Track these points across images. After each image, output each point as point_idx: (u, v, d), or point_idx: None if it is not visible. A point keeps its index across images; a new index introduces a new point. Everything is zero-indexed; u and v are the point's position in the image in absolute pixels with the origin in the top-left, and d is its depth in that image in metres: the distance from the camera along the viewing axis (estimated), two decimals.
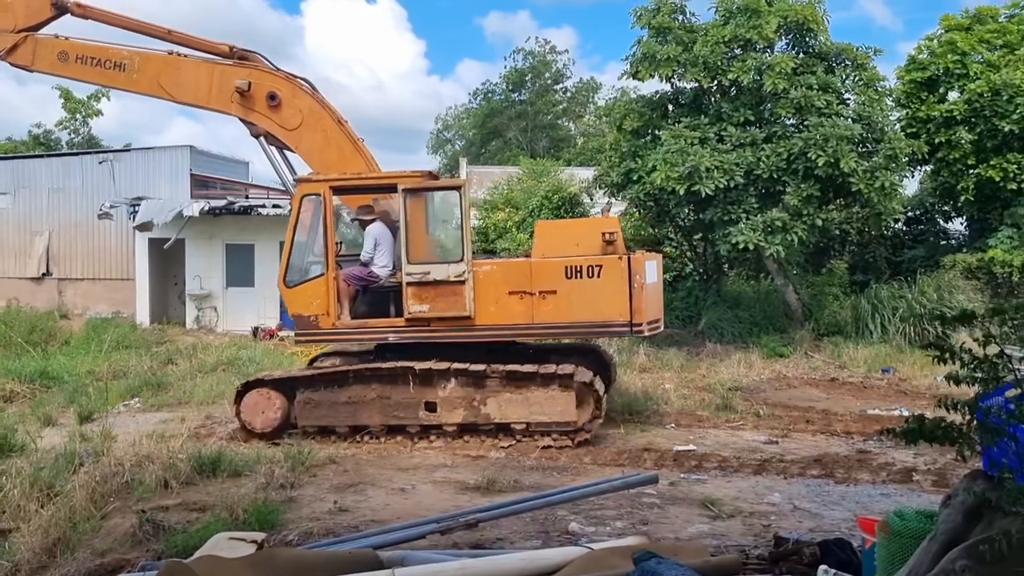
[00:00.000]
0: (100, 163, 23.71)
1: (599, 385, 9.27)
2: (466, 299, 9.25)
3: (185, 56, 10.70)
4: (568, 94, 53.88)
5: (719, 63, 14.99)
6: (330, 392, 9.57)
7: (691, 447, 8.94)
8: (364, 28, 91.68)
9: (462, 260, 9.31)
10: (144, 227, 20.85)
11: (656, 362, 14.50)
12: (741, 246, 14.27)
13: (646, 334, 9.48)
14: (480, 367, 9.22)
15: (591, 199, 19.47)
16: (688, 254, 19.03)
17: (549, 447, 9.03)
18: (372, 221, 9.99)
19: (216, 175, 25.34)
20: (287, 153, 10.90)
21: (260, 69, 10.56)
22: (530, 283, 9.24)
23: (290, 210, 10.02)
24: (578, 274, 9.13)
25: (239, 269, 21.60)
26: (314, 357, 11.20)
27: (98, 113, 34.42)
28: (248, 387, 9.84)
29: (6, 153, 28.95)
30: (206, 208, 20.44)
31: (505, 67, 54.85)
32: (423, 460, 8.67)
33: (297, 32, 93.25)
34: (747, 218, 14.40)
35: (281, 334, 20.04)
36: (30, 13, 10.82)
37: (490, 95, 53.88)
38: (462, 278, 9.25)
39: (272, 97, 10.29)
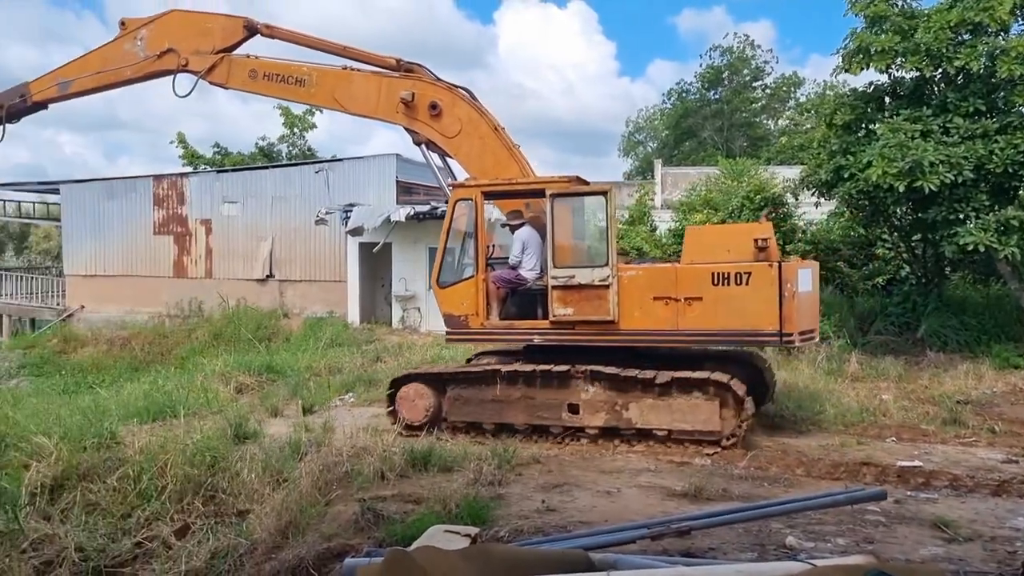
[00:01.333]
0: (316, 172, 25.41)
1: (744, 394, 8.91)
2: (610, 304, 9.22)
3: (357, 70, 11.35)
4: (768, 91, 52.03)
5: (944, 50, 13.82)
6: (478, 390, 9.88)
7: (917, 463, 8.28)
8: (555, 33, 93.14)
9: (607, 265, 9.28)
10: (355, 232, 22.13)
11: (870, 371, 13.57)
12: (970, 247, 13.07)
13: (797, 345, 9.09)
14: (622, 372, 9.19)
15: (796, 199, 18.59)
16: (904, 256, 17.71)
17: (756, 454, 8.70)
18: (520, 226, 10.22)
19: (419, 182, 26.47)
20: (448, 160, 11.37)
21: (423, 80, 11.00)
22: (675, 289, 9.06)
23: (444, 213, 10.42)
24: (725, 281, 8.85)
25: None
26: (472, 356, 11.50)
27: (312, 127, 37.00)
28: (402, 381, 10.34)
29: (236, 165, 31.68)
30: (411, 213, 21.37)
31: (700, 65, 53.76)
32: (626, 464, 8.58)
33: (491, 40, 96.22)
34: (977, 217, 13.18)
35: None
36: (226, 35, 11.92)
37: (684, 95, 53.02)
38: (606, 283, 9.24)
39: (433, 107, 10.71)
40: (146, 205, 27.44)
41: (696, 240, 9.54)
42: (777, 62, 74.15)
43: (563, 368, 9.46)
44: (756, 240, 8.89)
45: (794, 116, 39.60)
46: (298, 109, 35.91)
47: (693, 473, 7.95)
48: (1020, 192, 13.19)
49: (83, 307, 27.88)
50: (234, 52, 11.98)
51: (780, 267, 8.71)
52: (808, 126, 38.14)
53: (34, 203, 34.66)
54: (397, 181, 24.68)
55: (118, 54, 12.39)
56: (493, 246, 10.89)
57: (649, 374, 9.16)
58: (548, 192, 9.54)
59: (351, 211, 22.40)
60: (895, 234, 17.46)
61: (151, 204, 27.37)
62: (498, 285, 10.05)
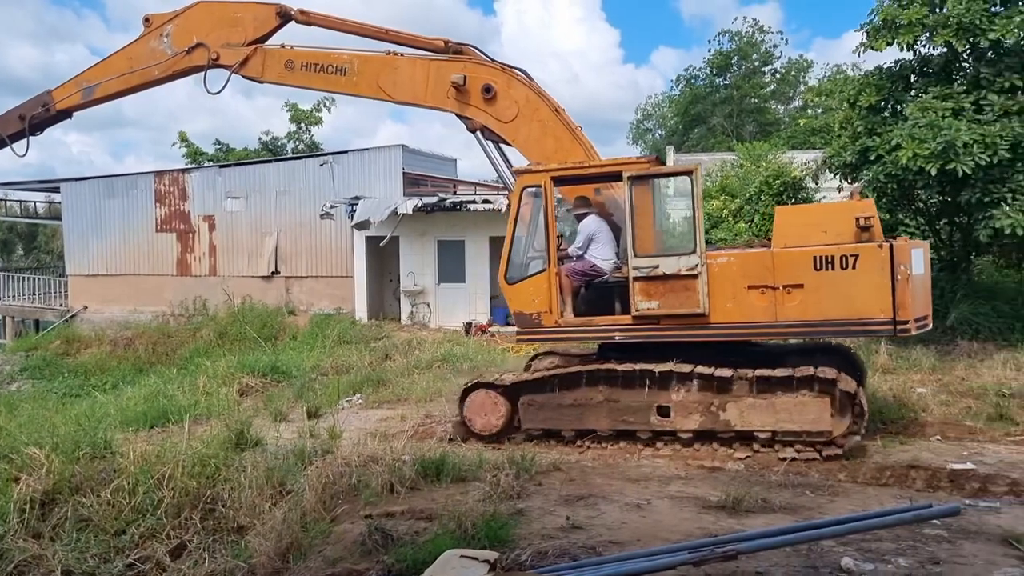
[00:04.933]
0: (321, 165, 24.85)
1: (860, 393, 8.17)
2: (699, 295, 8.43)
3: (402, 55, 10.59)
4: (777, 75, 51.19)
5: (977, 22, 13.10)
6: (555, 394, 9.09)
7: (969, 465, 7.65)
8: (558, 20, 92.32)
9: (695, 252, 8.49)
10: (362, 226, 21.56)
11: (901, 362, 12.93)
12: (1007, 231, 12.39)
13: (913, 333, 8.17)
14: (722, 370, 8.41)
15: (816, 183, 17.92)
16: (930, 241, 16.99)
17: (794, 459, 8.07)
18: (587, 215, 9.48)
19: (426, 173, 25.90)
20: (504, 148, 10.54)
21: (475, 62, 10.26)
22: (772, 276, 8.24)
23: (509, 204, 9.61)
24: (829, 265, 8.05)
25: (450, 265, 21.89)
26: (532, 356, 10.81)
27: (319, 121, 36.42)
28: (472, 388, 9.58)
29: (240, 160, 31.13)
30: (419, 205, 20.81)
31: (708, 51, 52.90)
32: (653, 470, 7.99)
33: (494, 30, 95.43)
34: (1013, 198, 12.49)
35: (492, 330, 20.08)
36: (257, 24, 11.09)
37: (692, 81, 52.21)
38: (695, 272, 8.44)
39: (487, 90, 9.94)
40: (147, 202, 26.91)
41: (788, 222, 8.72)
42: (787, 44, 73.12)
43: (656, 368, 8.62)
44: (858, 219, 8.10)
45: (811, 97, 38.64)
46: (305, 105, 35.41)
47: (728, 480, 7.37)
48: None
49: (86, 307, 27.42)
50: (267, 42, 11.18)
51: (892, 248, 7.96)
52: (819, 110, 37.39)
53: (35, 202, 34.24)
54: (404, 173, 24.09)
55: (144, 53, 11.55)
56: (562, 237, 10.07)
57: (754, 371, 8.37)
58: (626, 175, 8.79)
59: (357, 204, 21.85)
60: (919, 218, 16.79)
61: (152, 201, 26.85)
62: (572, 278, 9.27)
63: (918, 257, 8.28)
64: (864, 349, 13.44)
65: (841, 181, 15.71)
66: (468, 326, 20.32)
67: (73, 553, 6.47)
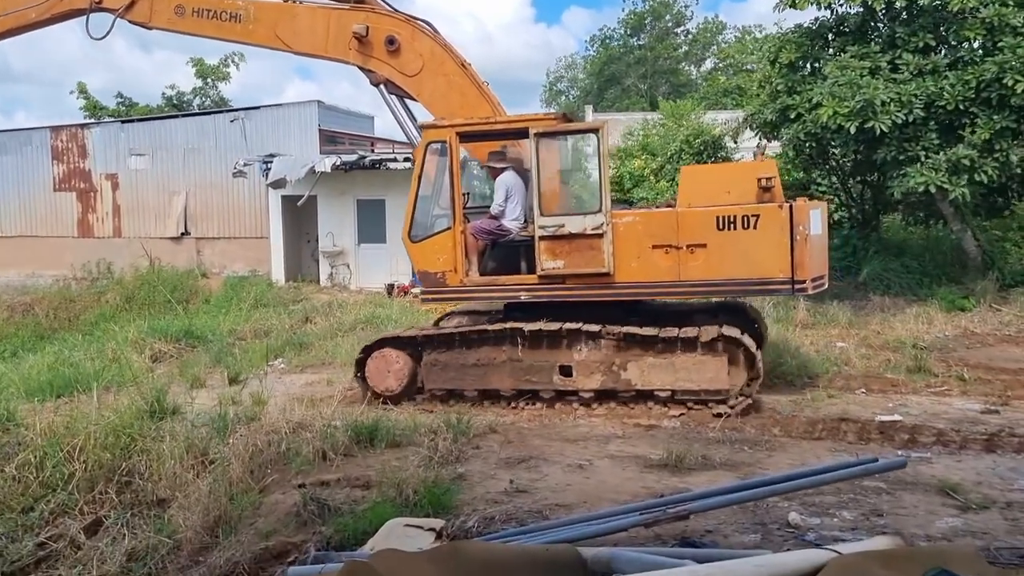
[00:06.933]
0: (232, 122, 23.83)
1: (754, 349, 8.31)
2: (604, 254, 8.41)
3: (301, 3, 10.16)
4: (690, 36, 51.56)
5: None
6: (458, 354, 8.98)
7: (896, 417, 7.83)
8: None
9: (600, 211, 8.43)
10: (277, 184, 20.80)
11: (819, 317, 13.21)
12: (919, 188, 12.72)
13: (809, 292, 8.36)
14: (621, 329, 8.41)
15: (735, 142, 18.09)
16: (840, 198, 17.39)
17: (727, 415, 8.11)
18: (504, 169, 9.24)
19: (343, 130, 25.13)
20: (408, 103, 10.25)
21: (378, 12, 9.90)
22: (676, 236, 8.28)
23: (413, 159, 9.33)
24: (731, 225, 8.10)
25: (370, 225, 21.37)
26: (440, 317, 10.64)
27: (227, 77, 34.83)
28: (373, 348, 9.36)
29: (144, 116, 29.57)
30: (338, 163, 20.16)
31: (622, 11, 52.83)
32: (590, 430, 7.91)
33: None
34: (927, 156, 12.81)
35: (415, 291, 19.74)
36: None
37: (607, 41, 52.11)
38: (600, 231, 8.40)
39: (391, 41, 9.61)
40: (43, 159, 25.36)
41: (693, 182, 8.72)
42: (698, 3, 73.81)
43: (555, 327, 8.57)
44: (760, 179, 8.13)
45: (731, 53, 38.96)
46: (212, 59, 33.82)
47: (666, 438, 7.34)
48: (969, 131, 12.80)
49: None
50: None
51: (791, 208, 8.00)
52: (731, 72, 37.85)
53: None
54: (320, 130, 23.30)
55: None
56: (467, 194, 9.82)
57: (652, 330, 8.33)
58: (532, 131, 8.58)
59: (271, 162, 21.03)
60: (832, 177, 17.15)
61: (49, 158, 25.30)
62: (477, 237, 9.06)
63: (816, 218, 8.41)
64: (783, 306, 13.72)
65: (761, 139, 15.86)
66: (390, 287, 19.93)
67: None
